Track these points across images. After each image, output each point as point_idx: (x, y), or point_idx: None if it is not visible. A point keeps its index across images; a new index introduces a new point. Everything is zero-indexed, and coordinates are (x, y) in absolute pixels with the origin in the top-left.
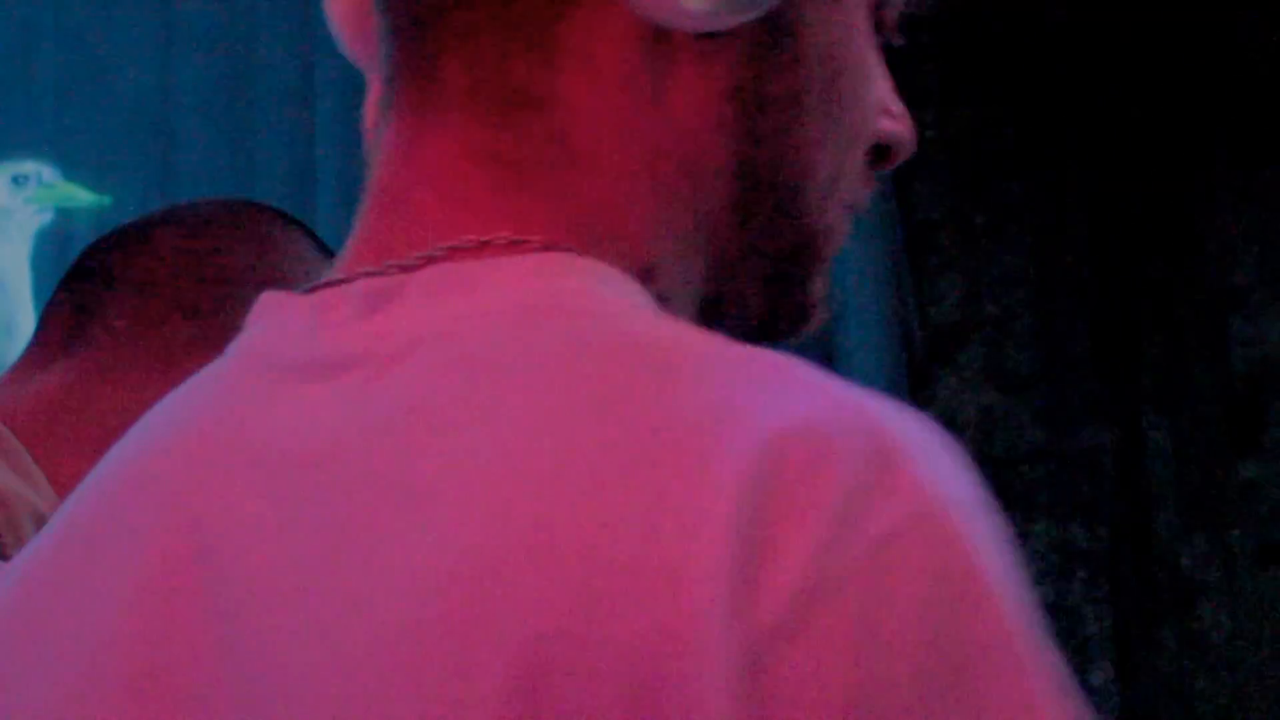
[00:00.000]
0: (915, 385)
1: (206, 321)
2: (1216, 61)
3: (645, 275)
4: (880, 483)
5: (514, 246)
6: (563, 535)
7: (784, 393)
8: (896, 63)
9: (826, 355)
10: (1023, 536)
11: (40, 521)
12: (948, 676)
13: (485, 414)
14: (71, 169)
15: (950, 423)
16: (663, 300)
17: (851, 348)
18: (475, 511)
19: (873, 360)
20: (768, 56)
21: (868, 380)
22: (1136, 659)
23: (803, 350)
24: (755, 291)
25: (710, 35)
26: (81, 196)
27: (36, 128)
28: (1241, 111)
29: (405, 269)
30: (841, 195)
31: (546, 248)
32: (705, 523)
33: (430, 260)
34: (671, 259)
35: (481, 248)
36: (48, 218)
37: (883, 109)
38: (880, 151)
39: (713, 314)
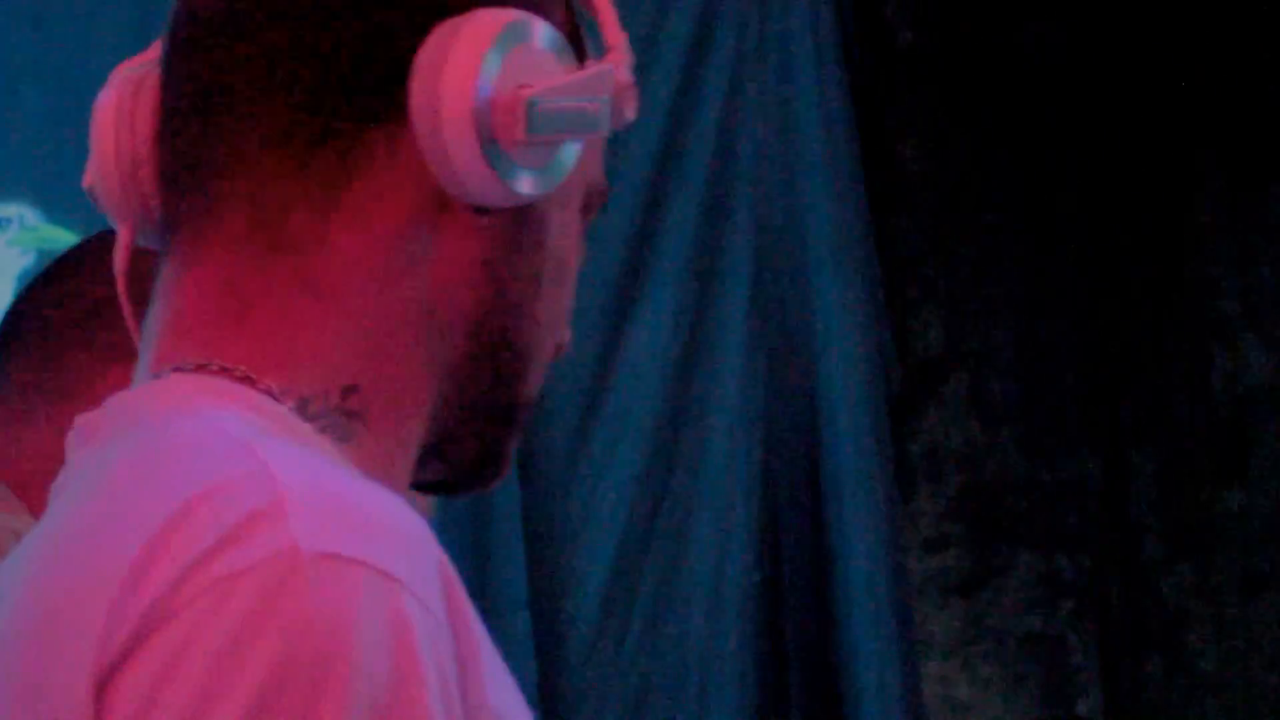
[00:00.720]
0: (898, 418)
1: (101, 350)
2: (1202, 93)
3: (344, 392)
4: (242, 535)
5: (198, 369)
6: (33, 587)
7: (220, 465)
8: (882, 93)
9: (809, 390)
10: (1008, 567)
11: None
12: (230, 710)
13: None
14: (54, 212)
15: (935, 454)
16: (356, 415)
17: (834, 382)
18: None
19: (855, 394)
20: (520, 239)
21: (850, 414)
22: (1124, 689)
23: (785, 385)
24: (472, 441)
25: (482, 211)
26: (64, 239)
27: (19, 170)
28: (1226, 142)
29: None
30: (548, 369)
31: (220, 370)
32: (112, 577)
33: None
34: (385, 384)
35: (193, 369)
36: (30, 260)
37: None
38: None
39: (429, 455)
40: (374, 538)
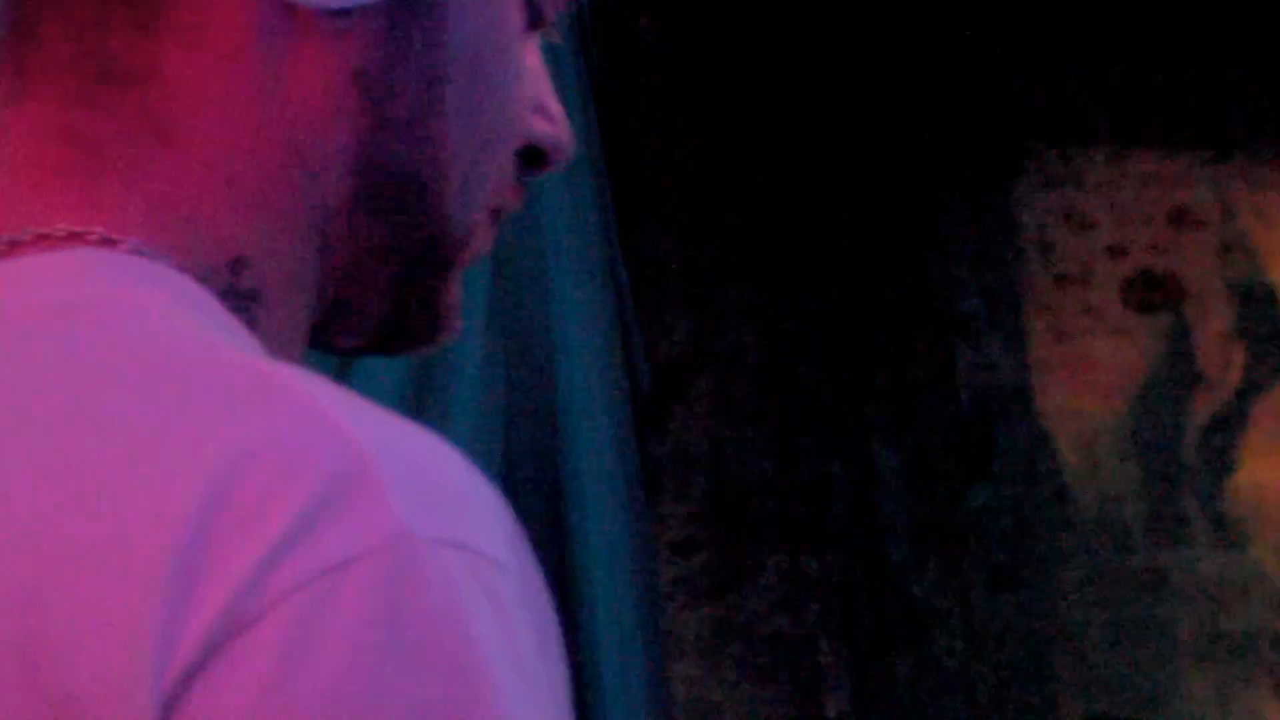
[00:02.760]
0: (644, 421)
1: None
2: (941, 98)
3: (233, 267)
4: (338, 508)
5: (71, 239)
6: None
7: (261, 407)
8: (629, 94)
9: (550, 393)
10: (757, 569)
11: None
12: None
13: None
14: None
15: (683, 457)
16: (252, 297)
17: (574, 385)
18: None
19: (597, 397)
20: (402, 39)
21: (592, 417)
22: (872, 688)
23: (525, 388)
24: (379, 295)
25: (341, 12)
26: None
27: None
28: (964, 144)
29: None
30: (483, 197)
31: (103, 241)
32: (137, 560)
33: None
34: (273, 251)
35: (38, 240)
36: None
37: (536, 108)
38: (533, 155)
39: (336, 318)
40: (469, 511)
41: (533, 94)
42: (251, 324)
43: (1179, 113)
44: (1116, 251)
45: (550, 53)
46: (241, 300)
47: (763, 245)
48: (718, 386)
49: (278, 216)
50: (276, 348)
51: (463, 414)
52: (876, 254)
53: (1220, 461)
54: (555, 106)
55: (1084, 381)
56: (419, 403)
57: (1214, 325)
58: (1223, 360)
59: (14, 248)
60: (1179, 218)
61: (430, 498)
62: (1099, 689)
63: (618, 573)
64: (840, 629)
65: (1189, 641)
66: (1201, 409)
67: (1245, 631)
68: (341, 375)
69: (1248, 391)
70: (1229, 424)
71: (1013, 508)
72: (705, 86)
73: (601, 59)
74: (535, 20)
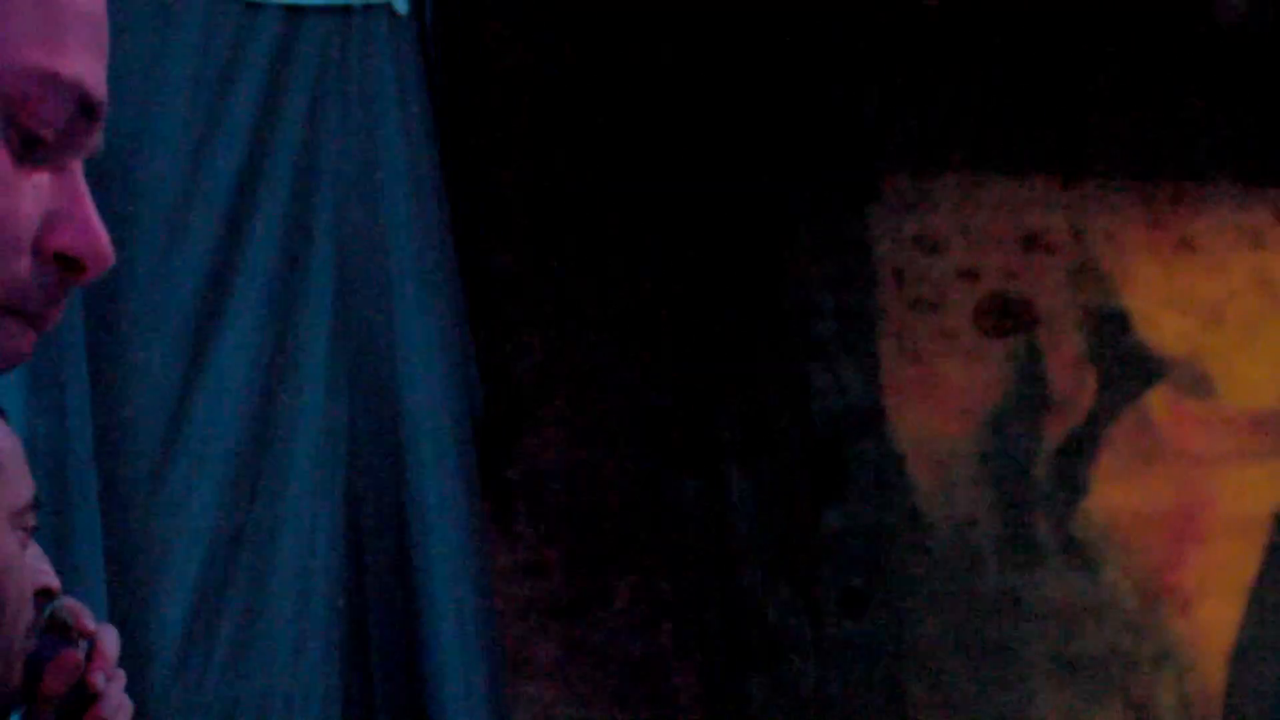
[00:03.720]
0: (498, 442)
1: None
2: (796, 122)
3: None
4: None
5: None
6: None
7: None
8: (469, 118)
9: (394, 414)
10: (610, 590)
11: None
12: None
13: None
14: None
15: (535, 479)
16: None
17: (418, 406)
18: None
19: (440, 418)
20: None
21: (435, 437)
22: (725, 711)
23: (370, 409)
24: None
25: None
26: None
27: None
28: (819, 168)
29: None
30: None
31: None
32: None
33: None
34: None
35: None
36: None
37: (63, 220)
38: (69, 262)
39: None
40: None
41: (54, 207)
42: None
43: (1032, 138)
44: (969, 275)
45: (398, 79)
46: None
47: (617, 266)
48: (570, 408)
49: None
50: None
51: (306, 435)
52: (731, 276)
53: (1072, 484)
54: (87, 216)
55: (937, 405)
56: (263, 424)
57: (1066, 349)
58: (1075, 384)
59: None
60: (1031, 242)
61: None
62: (953, 710)
63: (460, 591)
64: (693, 651)
65: (1041, 662)
66: (1054, 432)
67: (1097, 653)
68: (188, 387)
69: (1100, 415)
70: (1081, 447)
71: (865, 530)
72: (557, 101)
73: (445, 73)
74: (30, 146)
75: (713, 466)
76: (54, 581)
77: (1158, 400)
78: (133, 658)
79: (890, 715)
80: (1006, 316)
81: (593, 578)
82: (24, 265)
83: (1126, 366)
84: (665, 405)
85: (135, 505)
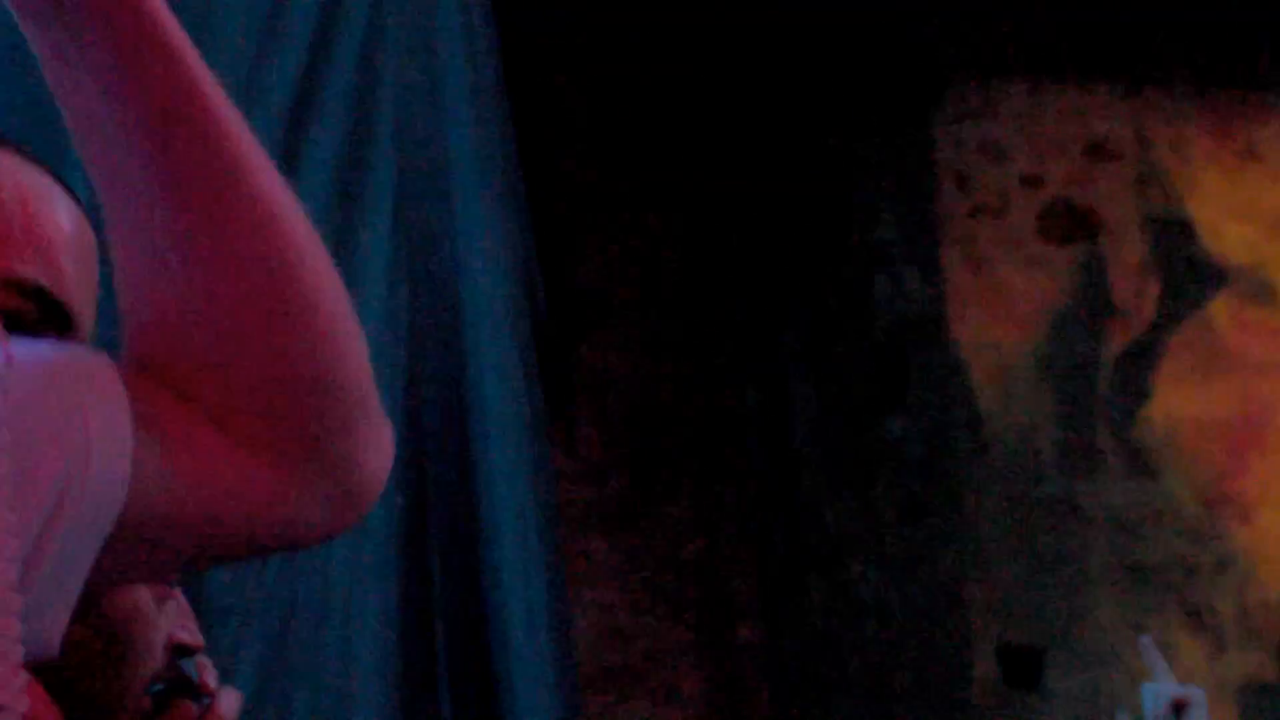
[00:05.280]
0: (561, 348)
1: None
2: (861, 31)
3: None
4: None
5: None
6: None
7: None
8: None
9: (455, 318)
10: (670, 496)
11: None
12: None
13: None
14: None
15: (597, 385)
16: None
17: (479, 310)
18: None
19: (501, 322)
20: None
21: (496, 341)
22: (785, 615)
23: (431, 313)
24: None
25: None
26: None
27: None
28: (883, 75)
29: None
30: None
31: None
32: None
33: None
34: None
35: None
36: None
37: None
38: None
39: None
40: None
41: None
42: None
43: (1096, 45)
44: (1033, 182)
45: None
46: None
47: (681, 174)
48: (633, 314)
49: None
50: None
51: (366, 328)
52: (794, 184)
53: (1134, 392)
54: None
55: (999, 312)
56: None
57: (1129, 257)
58: (1137, 292)
59: None
60: (1095, 149)
61: None
62: (1011, 618)
63: (521, 495)
64: (753, 556)
65: (1101, 570)
66: (1116, 340)
67: (1157, 561)
68: None
69: (1162, 323)
70: (1143, 355)
71: (926, 437)
72: (620, 20)
73: None
74: None
75: (774, 373)
76: (193, 639)
77: (1220, 309)
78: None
79: (949, 621)
80: (1069, 223)
81: (653, 483)
82: None
83: (1189, 275)
84: (727, 313)
85: None
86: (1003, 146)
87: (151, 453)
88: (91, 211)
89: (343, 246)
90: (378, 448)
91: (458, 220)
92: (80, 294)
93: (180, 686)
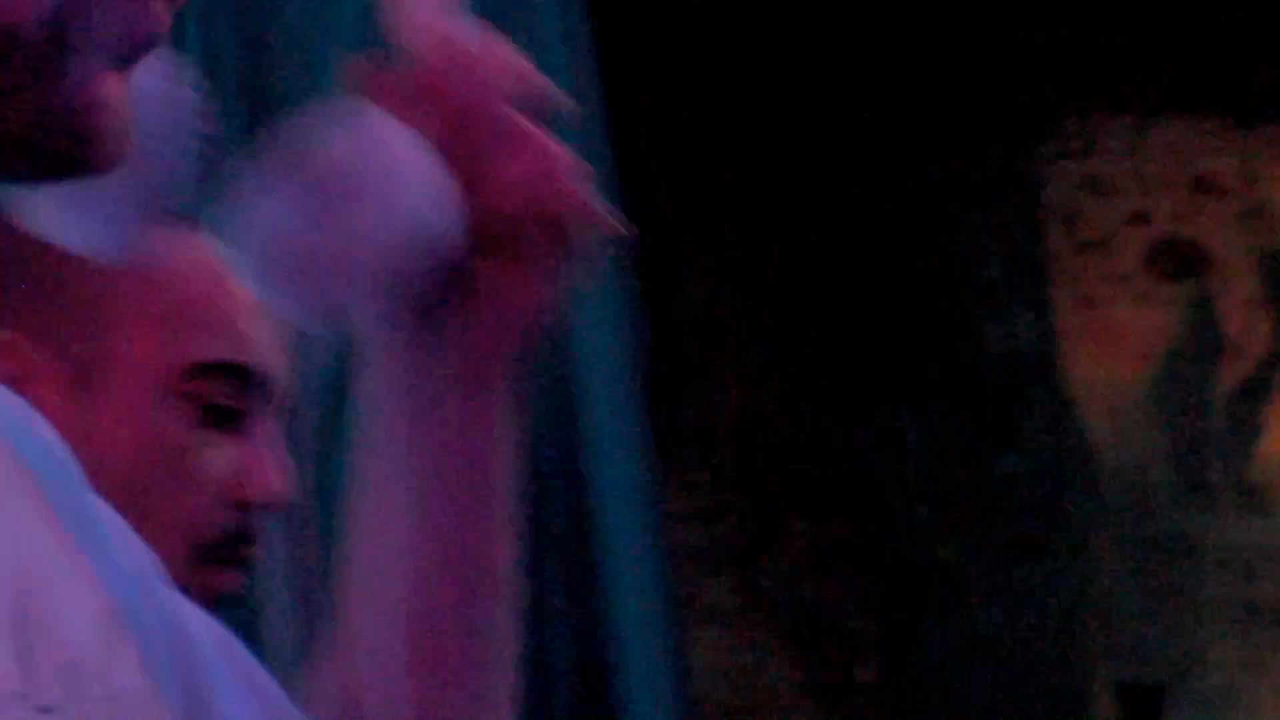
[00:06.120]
0: (672, 386)
1: None
2: (967, 66)
3: None
4: None
5: None
6: None
7: None
8: (632, 63)
9: (561, 356)
10: (784, 535)
11: None
12: None
13: None
14: None
15: (708, 424)
16: None
17: (587, 346)
18: None
19: (610, 358)
20: None
21: (606, 379)
22: (904, 655)
23: (540, 356)
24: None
25: None
26: None
27: None
28: (989, 112)
29: None
30: None
31: None
32: None
33: None
34: None
35: None
36: None
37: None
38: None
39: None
40: None
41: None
42: None
43: (1203, 80)
44: (1140, 218)
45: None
46: None
47: (788, 211)
48: (742, 353)
49: None
50: None
51: None
52: (902, 222)
53: (1247, 428)
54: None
55: (1109, 349)
56: None
57: (1238, 293)
58: (1248, 328)
59: None
60: (1202, 185)
61: None
62: (1129, 656)
63: (636, 534)
64: (869, 596)
65: (1218, 608)
66: (1227, 376)
67: (1275, 597)
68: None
69: (1274, 359)
70: (1255, 391)
71: (1039, 475)
72: (722, 44)
73: (605, 11)
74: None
75: (886, 411)
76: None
77: None
78: (309, 576)
79: (1067, 659)
80: (1178, 260)
81: (766, 523)
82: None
83: None
84: (838, 351)
85: (300, 456)
86: (1109, 183)
87: None
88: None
89: None
90: None
91: None
92: (276, 355)
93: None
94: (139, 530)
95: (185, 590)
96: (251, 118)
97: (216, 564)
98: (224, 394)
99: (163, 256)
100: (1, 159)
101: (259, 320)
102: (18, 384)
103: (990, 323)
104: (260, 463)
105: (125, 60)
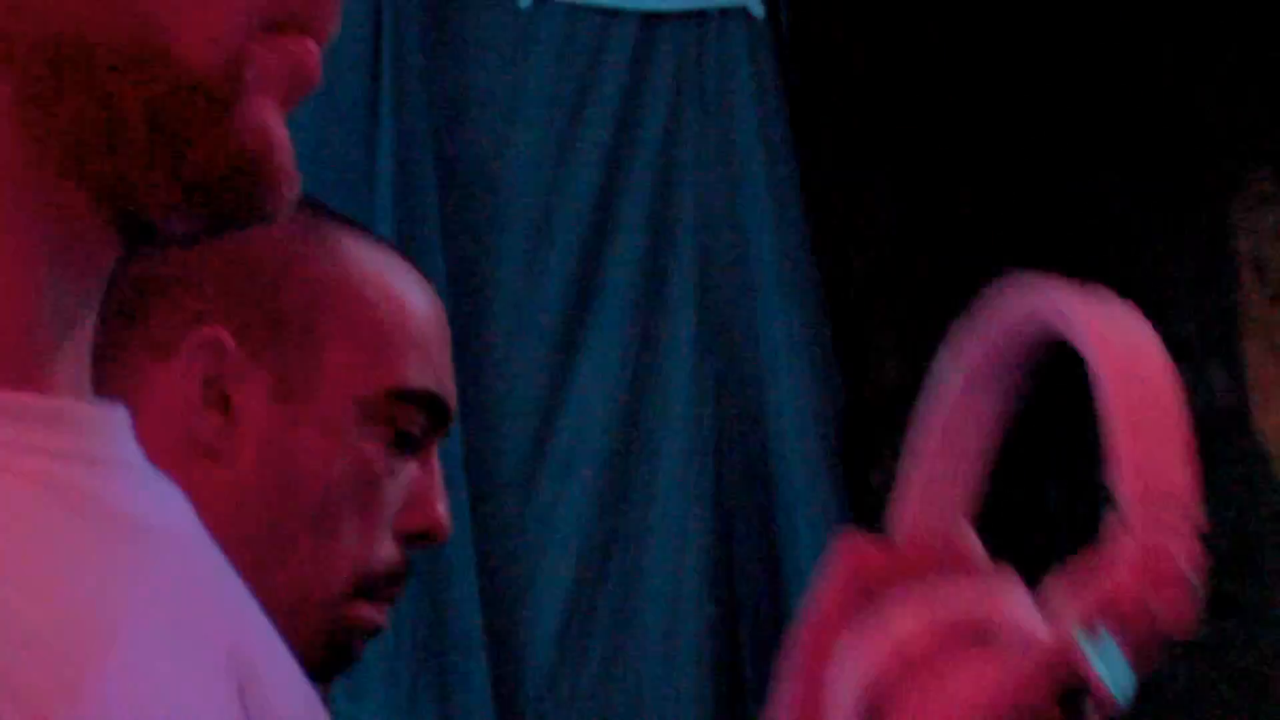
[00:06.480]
0: (859, 448)
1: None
2: (1155, 119)
3: None
4: None
5: None
6: None
7: None
8: (825, 125)
9: (760, 421)
10: None
11: None
12: None
13: None
14: None
15: (897, 485)
16: None
17: (784, 413)
18: None
19: (805, 424)
20: None
21: (801, 444)
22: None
23: (736, 417)
24: (143, 162)
25: None
26: None
27: None
28: (1176, 164)
29: None
30: (233, 5)
31: None
32: None
33: None
34: None
35: None
36: None
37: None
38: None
39: (129, 210)
40: None
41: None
42: None
43: None
44: None
45: (756, 86)
46: None
47: (972, 276)
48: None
49: None
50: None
51: (674, 439)
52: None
53: None
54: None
55: None
56: (631, 429)
57: None
58: None
59: None
60: None
61: None
62: None
63: None
64: None
65: None
66: None
67: None
68: (554, 395)
69: None
70: None
71: (1232, 529)
72: (908, 107)
73: (800, 74)
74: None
75: (1076, 469)
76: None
77: None
78: (506, 665)
79: (1260, 715)
80: None
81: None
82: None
83: None
84: (1026, 410)
85: (506, 514)
86: None
87: None
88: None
89: (646, 356)
90: None
91: (759, 322)
92: (451, 379)
93: None
94: (317, 555)
95: (333, 625)
96: (441, 177)
97: (371, 598)
98: (418, 423)
99: (368, 273)
100: (185, 207)
101: (448, 353)
102: (221, 384)
103: (1182, 376)
104: (433, 495)
105: (287, 102)
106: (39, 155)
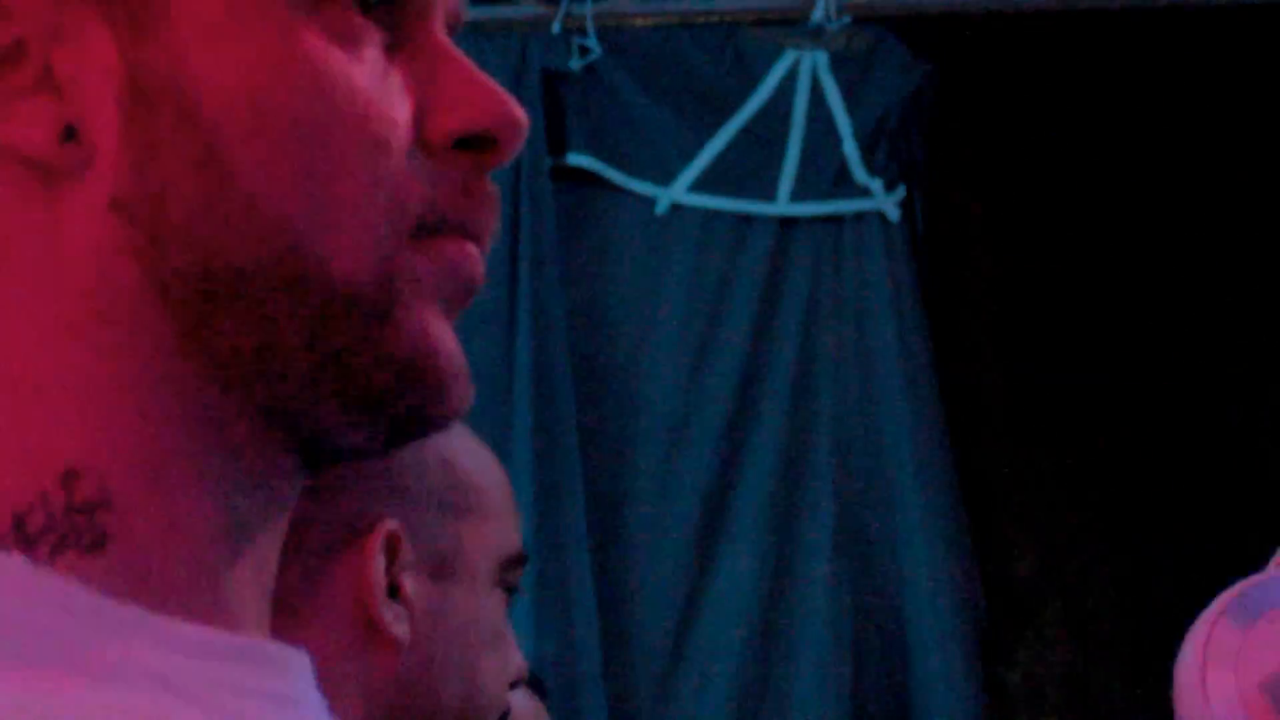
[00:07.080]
0: (995, 645)
1: None
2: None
3: (64, 483)
4: None
5: None
6: None
7: None
8: (966, 316)
9: (897, 618)
10: None
11: None
12: None
13: None
14: None
15: (1034, 682)
16: (96, 507)
17: (921, 609)
18: None
19: (943, 621)
20: (142, 129)
21: (939, 640)
22: None
23: (873, 614)
24: (308, 385)
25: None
26: None
27: None
28: None
29: None
30: (367, 219)
31: None
32: None
33: None
34: (110, 442)
35: None
36: None
37: (452, 103)
38: (475, 141)
39: (295, 433)
40: None
41: (426, 95)
42: (98, 544)
43: None
44: None
45: (890, 286)
46: (81, 517)
47: (1106, 468)
48: (1067, 611)
49: (109, 394)
50: (150, 564)
51: (811, 638)
52: (1236, 458)
53: None
54: (475, 86)
55: None
56: (768, 631)
57: None
58: None
59: None
60: None
61: None
62: None
63: None
64: None
65: None
66: None
67: None
68: (692, 597)
69: None
70: None
71: None
72: (1042, 308)
73: (934, 276)
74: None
75: None
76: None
77: None
78: None
79: None
80: None
81: None
82: (417, 168)
83: None
84: (1164, 605)
85: (643, 717)
86: None
87: None
88: None
89: (783, 558)
90: None
91: (898, 521)
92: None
93: None
94: (462, 709)
95: None
96: (578, 382)
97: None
98: (517, 580)
99: (464, 451)
100: (358, 423)
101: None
102: (402, 573)
103: None
104: (517, 647)
105: (451, 305)
106: (211, 390)
